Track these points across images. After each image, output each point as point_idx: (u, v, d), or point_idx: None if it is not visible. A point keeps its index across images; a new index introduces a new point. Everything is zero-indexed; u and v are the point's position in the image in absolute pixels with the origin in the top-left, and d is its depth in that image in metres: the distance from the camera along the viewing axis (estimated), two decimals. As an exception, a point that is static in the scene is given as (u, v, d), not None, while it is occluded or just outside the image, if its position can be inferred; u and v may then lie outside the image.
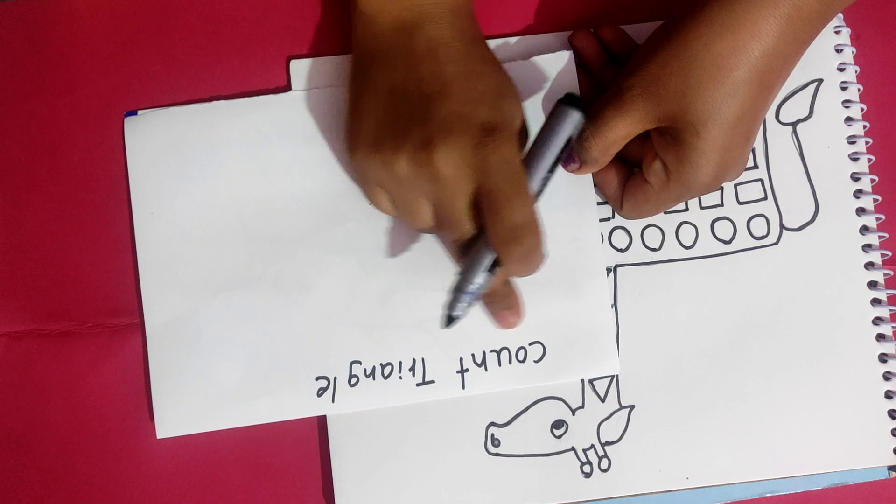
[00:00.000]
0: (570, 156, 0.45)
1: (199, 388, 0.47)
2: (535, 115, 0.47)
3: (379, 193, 0.44)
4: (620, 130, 0.43)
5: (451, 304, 0.44)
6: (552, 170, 0.44)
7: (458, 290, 0.43)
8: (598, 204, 0.48)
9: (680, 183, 0.43)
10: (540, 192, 0.44)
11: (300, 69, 0.49)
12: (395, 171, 0.41)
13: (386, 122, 0.42)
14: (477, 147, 0.40)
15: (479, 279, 0.43)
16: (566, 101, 0.44)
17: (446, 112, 0.41)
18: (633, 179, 0.46)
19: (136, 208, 0.49)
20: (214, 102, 0.49)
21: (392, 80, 0.42)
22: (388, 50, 0.43)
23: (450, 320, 0.44)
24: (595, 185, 0.48)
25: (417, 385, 0.47)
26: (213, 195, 0.48)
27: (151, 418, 0.48)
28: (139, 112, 0.49)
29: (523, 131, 0.44)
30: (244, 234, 0.48)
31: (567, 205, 0.48)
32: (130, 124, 0.49)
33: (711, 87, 0.41)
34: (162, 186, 0.49)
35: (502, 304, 0.46)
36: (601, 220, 0.48)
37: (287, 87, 0.49)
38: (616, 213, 0.48)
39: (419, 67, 0.42)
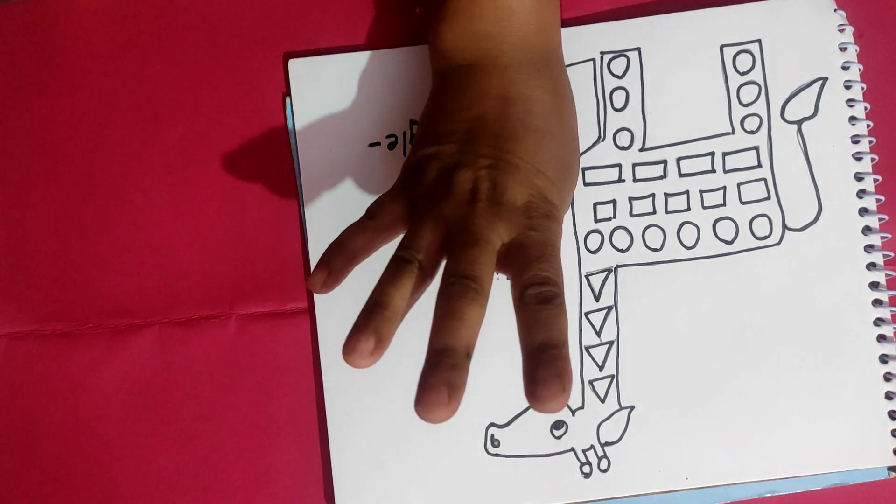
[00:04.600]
0: None
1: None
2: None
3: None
4: None
5: None
6: None
7: None
8: (598, 204, 0.48)
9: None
10: None
11: (299, 68, 0.49)
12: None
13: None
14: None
15: None
16: None
17: (517, 154, 0.40)
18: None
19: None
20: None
21: (470, 112, 0.41)
22: (465, 84, 0.42)
23: None
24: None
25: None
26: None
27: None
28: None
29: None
30: None
31: None
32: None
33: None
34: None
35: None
36: (601, 220, 0.48)
37: (286, 87, 0.49)
38: (614, 218, 0.48)
39: (503, 107, 0.41)
